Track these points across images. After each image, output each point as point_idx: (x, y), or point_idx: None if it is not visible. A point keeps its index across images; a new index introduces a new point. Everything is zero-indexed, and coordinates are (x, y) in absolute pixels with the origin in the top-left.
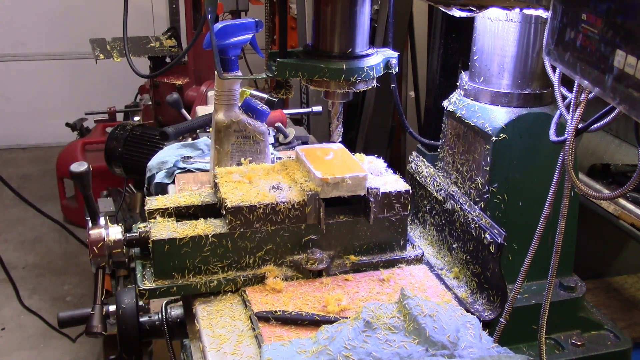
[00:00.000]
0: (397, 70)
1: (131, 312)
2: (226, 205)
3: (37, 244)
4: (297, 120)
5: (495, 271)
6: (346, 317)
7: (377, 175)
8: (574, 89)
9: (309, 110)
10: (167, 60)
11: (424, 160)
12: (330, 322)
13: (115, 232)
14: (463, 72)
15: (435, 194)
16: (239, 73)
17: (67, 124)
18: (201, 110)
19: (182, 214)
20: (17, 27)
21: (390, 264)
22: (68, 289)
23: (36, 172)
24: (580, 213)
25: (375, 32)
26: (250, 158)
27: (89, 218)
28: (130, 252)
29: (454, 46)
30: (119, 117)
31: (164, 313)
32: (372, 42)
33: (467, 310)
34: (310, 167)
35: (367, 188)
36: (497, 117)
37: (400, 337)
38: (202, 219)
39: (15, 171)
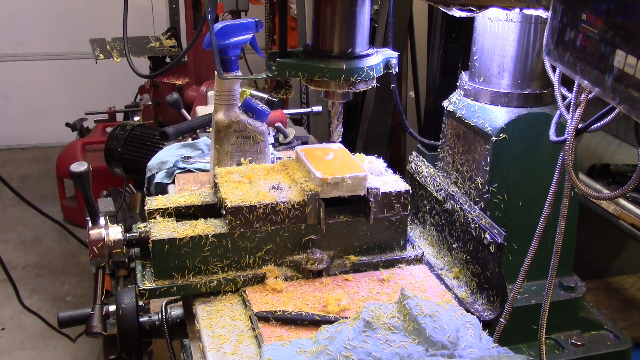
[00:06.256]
0: (397, 70)
1: (131, 312)
2: (226, 205)
3: (37, 244)
4: (297, 120)
5: (495, 271)
6: (346, 317)
7: (377, 175)
8: (574, 89)
9: (309, 110)
10: (167, 60)
11: (424, 160)
12: (330, 322)
13: (115, 232)
14: (463, 72)
15: (435, 194)
16: (239, 73)
17: (67, 124)
18: (201, 110)
19: (182, 214)
20: (17, 27)
21: (390, 264)
22: (68, 289)
23: (36, 172)
24: (580, 213)
25: (375, 32)
26: (250, 158)
27: (89, 218)
28: (130, 252)
29: (454, 46)
30: (119, 117)
31: (164, 313)
32: (372, 42)
33: (467, 310)
34: (310, 167)
35: (367, 188)
36: (497, 117)
37: (400, 337)
38: (202, 219)
39: (15, 171)
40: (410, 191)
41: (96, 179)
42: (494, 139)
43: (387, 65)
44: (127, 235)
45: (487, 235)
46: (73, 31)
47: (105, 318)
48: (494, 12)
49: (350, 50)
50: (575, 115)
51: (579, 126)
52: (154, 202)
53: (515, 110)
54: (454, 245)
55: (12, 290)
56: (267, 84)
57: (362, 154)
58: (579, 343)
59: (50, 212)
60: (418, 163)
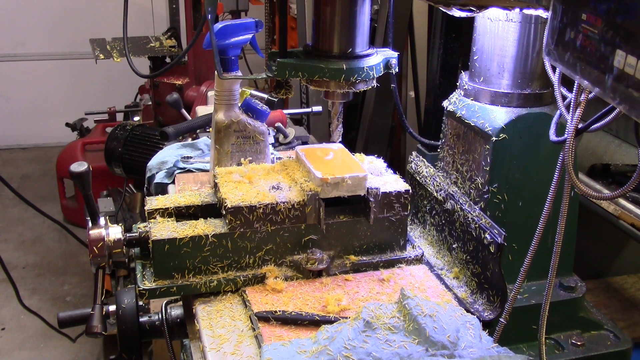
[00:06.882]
0: (397, 70)
1: (131, 312)
2: (226, 205)
3: (37, 244)
4: (297, 120)
5: (495, 271)
6: (346, 317)
7: (377, 175)
8: (574, 89)
9: (309, 110)
10: (167, 60)
11: (424, 160)
12: (330, 322)
13: (115, 232)
14: (463, 72)
15: (435, 194)
16: (239, 73)
17: (67, 124)
18: (201, 110)
19: (182, 214)
20: (17, 27)
21: (390, 264)
22: (68, 289)
23: (36, 172)
24: (580, 213)
25: (375, 32)
26: (250, 158)
27: (89, 218)
28: (130, 252)
29: (454, 46)
30: (119, 117)
31: (164, 313)
32: (372, 42)
33: (467, 310)
34: (310, 167)
35: (367, 188)
36: (497, 117)
37: (400, 337)
38: (202, 219)
39: (15, 171)
40: (410, 191)
41: (96, 179)
42: (494, 139)
43: (387, 65)
44: (127, 235)
45: (487, 235)
46: (73, 31)
47: (105, 318)
48: (494, 12)
49: (350, 50)
50: (575, 115)
51: (579, 126)
52: (154, 202)
53: (515, 110)
54: (454, 245)
55: (12, 290)
56: (267, 84)
57: (362, 154)
58: (579, 343)
59: (50, 212)
60: (418, 163)
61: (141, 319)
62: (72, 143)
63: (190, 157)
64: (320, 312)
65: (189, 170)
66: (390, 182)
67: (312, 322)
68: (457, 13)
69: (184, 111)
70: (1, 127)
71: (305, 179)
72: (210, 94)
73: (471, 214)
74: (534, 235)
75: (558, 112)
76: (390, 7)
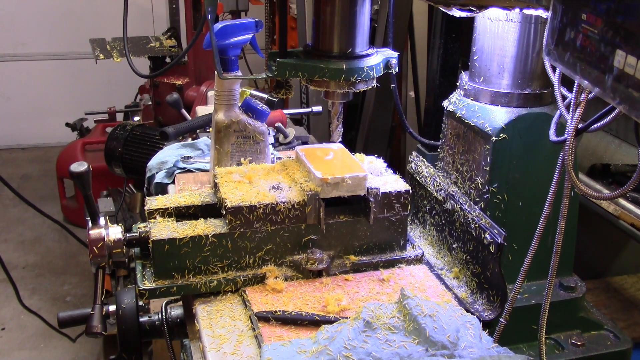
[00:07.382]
0: (397, 70)
1: (131, 312)
2: (226, 205)
3: (37, 244)
4: (297, 120)
5: (495, 271)
6: (346, 317)
7: (377, 175)
8: (574, 89)
9: (309, 110)
10: (167, 60)
11: (424, 160)
12: (330, 322)
13: (115, 232)
14: (463, 72)
15: (435, 194)
16: (239, 73)
17: (67, 124)
18: (201, 110)
19: (182, 214)
20: (17, 27)
21: (390, 264)
22: (68, 289)
23: (36, 172)
24: (580, 213)
25: (375, 32)
26: (250, 158)
27: (89, 218)
28: (130, 252)
29: (454, 46)
30: (119, 117)
31: (164, 313)
32: (372, 42)
33: (467, 310)
34: (310, 167)
35: (367, 188)
36: (497, 117)
37: (400, 337)
38: (202, 219)
39: (15, 171)
40: (410, 191)
41: (96, 179)
42: (494, 139)
43: (387, 65)
44: (127, 235)
45: (487, 235)
46: (73, 31)
47: (105, 318)
48: (494, 12)
49: (350, 50)
50: (575, 115)
51: (579, 126)
52: (154, 202)
53: (515, 110)
54: (454, 245)
55: (12, 290)
56: (267, 84)
57: (362, 154)
58: (579, 343)
59: (50, 212)
60: (418, 163)
61: (141, 319)
62: (72, 143)
63: (190, 157)
64: (320, 312)
65: (189, 170)
66: (390, 182)
67: (312, 322)
68: (457, 13)
69: (184, 111)
70: (1, 127)
71: (305, 179)
72: (210, 94)
73: (471, 214)
74: (534, 235)
75: (558, 112)
76: (390, 7)
